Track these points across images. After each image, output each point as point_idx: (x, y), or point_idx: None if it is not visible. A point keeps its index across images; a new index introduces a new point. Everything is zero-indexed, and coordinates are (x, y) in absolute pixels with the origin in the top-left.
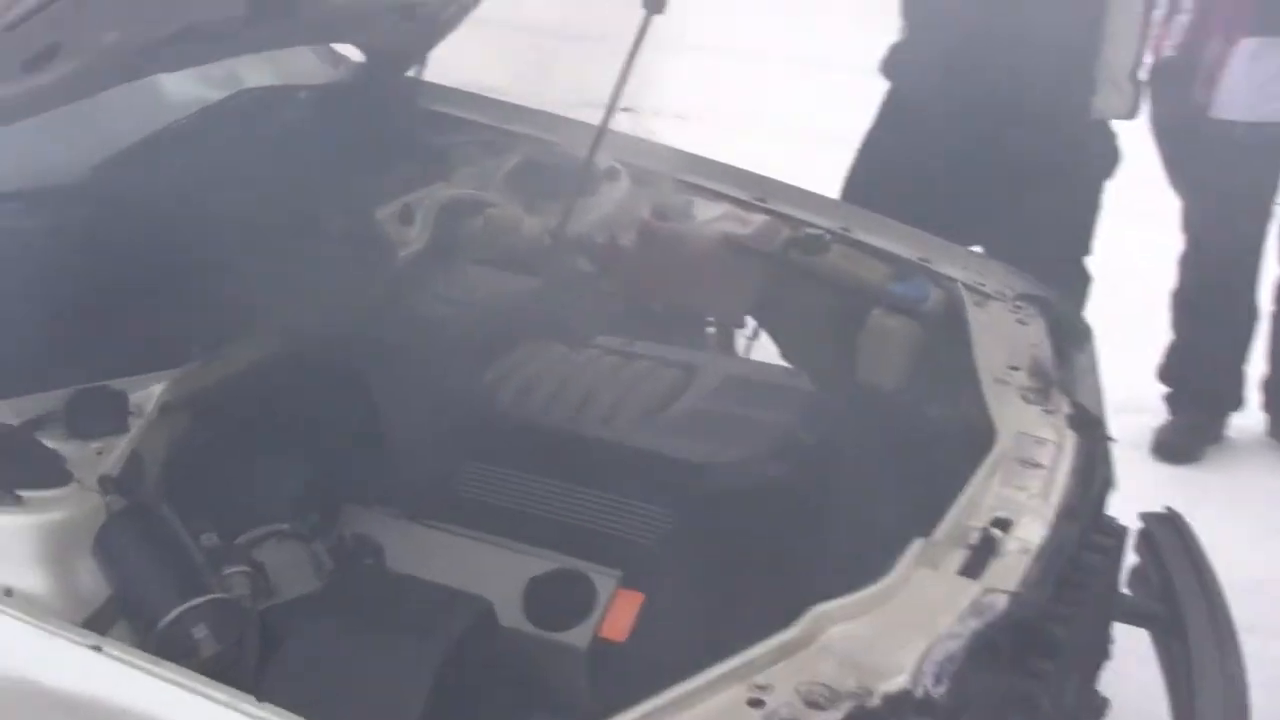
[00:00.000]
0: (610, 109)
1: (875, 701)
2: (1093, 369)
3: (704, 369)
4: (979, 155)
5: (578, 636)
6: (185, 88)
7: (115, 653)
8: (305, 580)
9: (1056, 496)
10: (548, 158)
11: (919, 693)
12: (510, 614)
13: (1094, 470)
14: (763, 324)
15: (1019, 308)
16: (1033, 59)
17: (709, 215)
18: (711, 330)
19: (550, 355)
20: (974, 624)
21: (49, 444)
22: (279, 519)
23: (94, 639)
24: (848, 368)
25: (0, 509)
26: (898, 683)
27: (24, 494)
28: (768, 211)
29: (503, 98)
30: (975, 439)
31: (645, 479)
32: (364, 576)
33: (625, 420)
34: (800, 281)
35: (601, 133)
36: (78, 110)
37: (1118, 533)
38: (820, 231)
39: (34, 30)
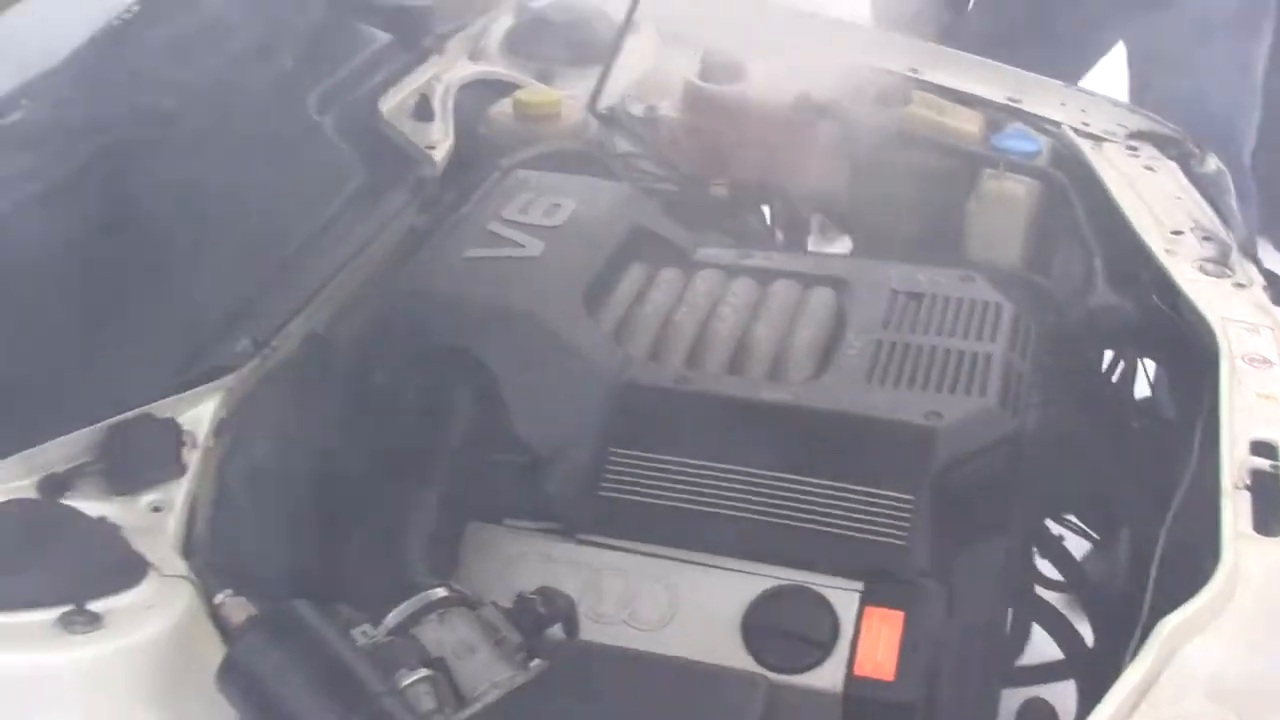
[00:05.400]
0: None
1: None
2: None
3: (855, 283)
4: None
5: (826, 677)
6: None
7: None
8: (493, 671)
9: None
10: (552, 13)
11: None
12: (727, 651)
13: None
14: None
15: (1134, 149)
16: None
17: (765, 70)
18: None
19: (665, 286)
20: None
21: (91, 513)
22: (405, 574)
23: None
24: (951, 245)
25: (74, 635)
26: None
27: (99, 607)
28: (825, 58)
29: None
30: (1164, 333)
31: (862, 454)
32: (580, 664)
33: (799, 371)
34: (887, 144)
35: None
36: None
37: None
38: (899, 77)
39: None
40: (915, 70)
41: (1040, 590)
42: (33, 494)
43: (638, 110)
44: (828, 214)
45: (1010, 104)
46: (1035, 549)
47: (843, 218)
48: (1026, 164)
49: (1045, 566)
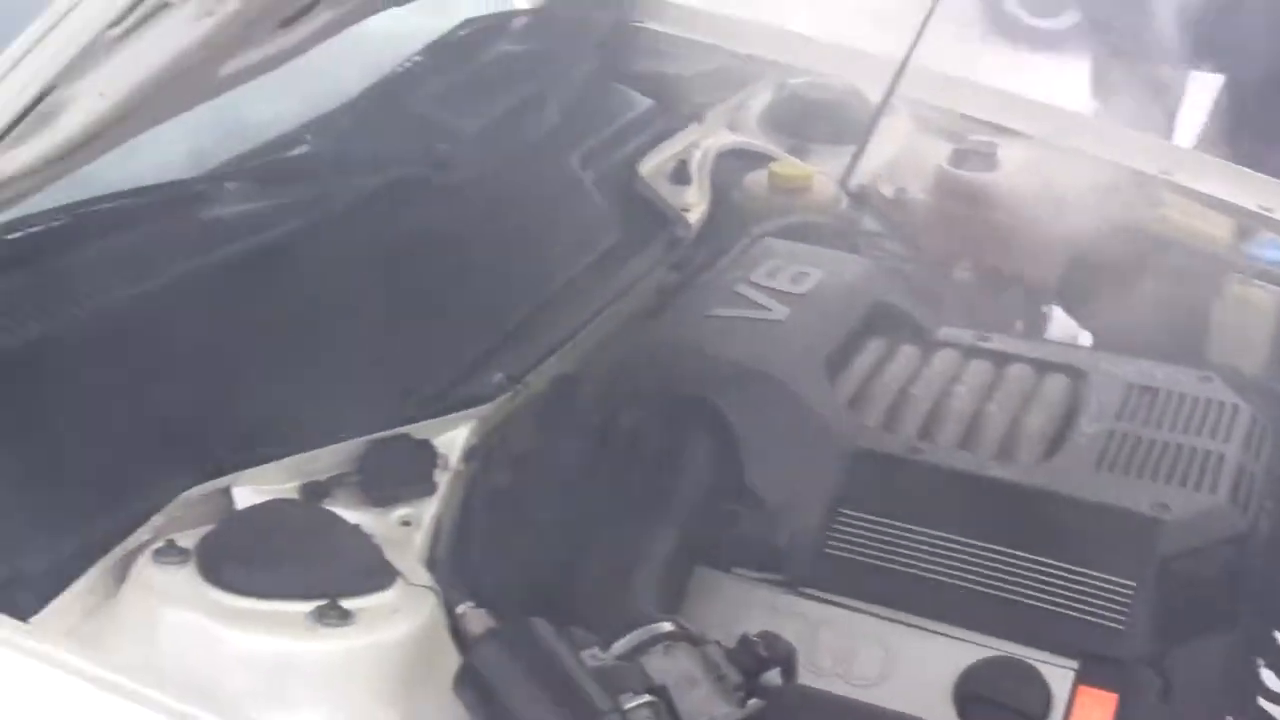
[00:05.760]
0: (921, 28)
1: None
2: None
3: (1091, 373)
4: None
5: None
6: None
7: None
8: (712, 705)
9: None
10: (810, 91)
11: None
12: (938, 715)
13: None
14: (1070, 296)
15: None
16: None
17: (1015, 160)
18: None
19: (903, 361)
20: None
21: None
22: (636, 606)
23: None
24: (1193, 348)
25: (326, 629)
26: None
27: (350, 605)
28: (1078, 153)
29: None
30: None
31: (1087, 538)
32: (797, 708)
33: (1029, 452)
34: (1134, 244)
35: (907, 60)
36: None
37: None
38: (1152, 179)
39: None
40: (1167, 173)
41: (1263, 702)
42: (295, 497)
43: (888, 191)
44: (1068, 307)
45: (1261, 211)
46: (1261, 659)
47: (1083, 312)
48: (1275, 272)
49: (1270, 679)
